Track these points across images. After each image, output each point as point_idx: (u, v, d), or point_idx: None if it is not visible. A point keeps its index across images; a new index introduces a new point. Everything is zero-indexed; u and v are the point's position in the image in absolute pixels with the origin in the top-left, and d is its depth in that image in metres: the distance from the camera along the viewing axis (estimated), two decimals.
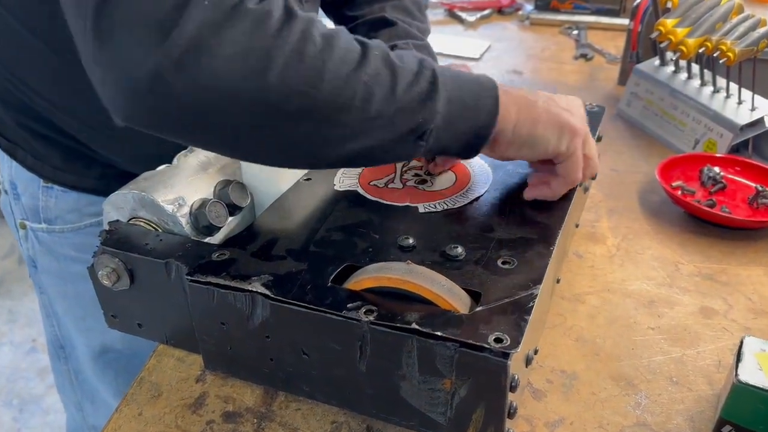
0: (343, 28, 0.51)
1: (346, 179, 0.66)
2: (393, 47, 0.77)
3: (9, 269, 2.41)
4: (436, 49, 1.45)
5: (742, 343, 0.54)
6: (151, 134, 0.48)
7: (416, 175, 0.66)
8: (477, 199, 0.62)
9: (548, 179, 0.62)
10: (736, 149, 0.96)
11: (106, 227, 0.59)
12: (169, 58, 0.41)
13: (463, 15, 1.62)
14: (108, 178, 0.63)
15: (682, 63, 1.04)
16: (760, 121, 0.94)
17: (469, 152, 0.58)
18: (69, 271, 0.82)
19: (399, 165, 0.68)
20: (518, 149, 0.59)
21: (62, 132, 0.74)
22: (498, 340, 0.44)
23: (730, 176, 0.88)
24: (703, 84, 1.00)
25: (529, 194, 0.62)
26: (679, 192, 0.84)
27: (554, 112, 0.58)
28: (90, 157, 0.76)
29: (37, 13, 0.63)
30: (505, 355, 0.44)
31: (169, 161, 0.64)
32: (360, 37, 0.51)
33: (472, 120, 0.55)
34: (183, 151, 0.69)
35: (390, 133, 0.51)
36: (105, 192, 0.61)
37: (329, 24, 0.67)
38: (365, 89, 0.48)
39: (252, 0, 0.44)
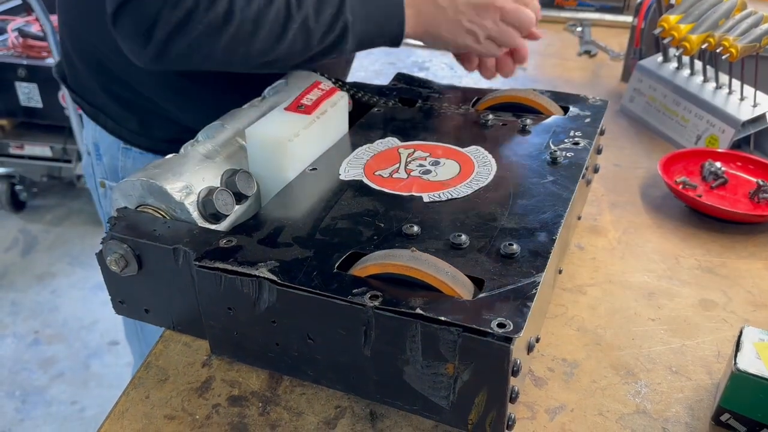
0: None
1: (351, 169, 0.67)
2: None
3: (12, 261, 2.42)
4: None
5: (741, 332, 0.54)
6: (218, 91, 0.78)
7: (420, 165, 0.67)
8: (481, 189, 0.63)
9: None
10: (737, 145, 0.96)
11: (114, 214, 0.60)
12: (152, 53, 0.66)
13: None
14: (181, 143, 0.68)
15: (685, 59, 1.05)
16: (762, 117, 0.94)
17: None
18: None
19: (404, 155, 0.69)
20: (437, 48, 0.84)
21: (139, 93, 0.82)
22: (501, 326, 0.45)
23: (731, 171, 0.89)
24: (705, 80, 1.01)
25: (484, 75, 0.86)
26: (681, 186, 0.85)
27: (455, 22, 0.75)
28: (165, 120, 0.83)
29: None
30: (508, 340, 0.44)
31: None
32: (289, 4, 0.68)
33: (382, 40, 0.75)
34: (190, 141, 0.69)
35: (312, 62, 0.74)
36: None
37: None
38: (286, 53, 0.69)
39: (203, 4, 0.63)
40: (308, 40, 0.69)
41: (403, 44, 0.78)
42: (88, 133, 0.91)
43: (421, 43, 0.84)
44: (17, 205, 2.68)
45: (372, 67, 1.39)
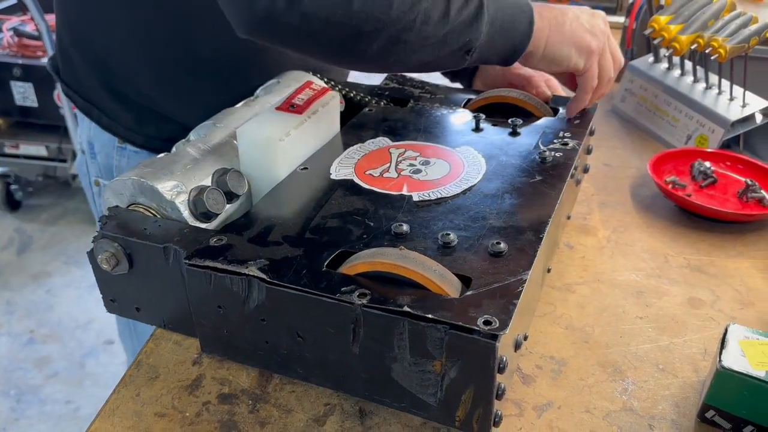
0: None
1: (341, 168, 0.67)
2: None
3: (8, 260, 2.42)
4: None
5: (726, 330, 0.55)
6: (216, 89, 0.72)
7: (411, 164, 0.67)
8: (470, 188, 0.63)
9: (576, 94, 0.78)
10: (726, 145, 0.97)
11: (106, 213, 0.61)
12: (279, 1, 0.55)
13: None
14: (176, 141, 0.68)
15: (676, 60, 1.05)
16: (751, 117, 0.95)
17: (506, 64, 0.72)
18: None
19: (394, 155, 0.69)
20: (547, 64, 0.74)
21: (137, 90, 0.82)
22: (487, 323, 0.45)
23: (720, 171, 0.90)
24: (695, 80, 1.02)
25: (569, 112, 0.78)
26: (671, 186, 0.86)
27: (578, 35, 0.73)
28: (161, 117, 0.83)
29: None
30: (494, 337, 0.45)
31: None
32: None
33: (509, 39, 0.69)
34: (182, 140, 0.70)
35: (441, 50, 0.64)
36: None
37: None
38: (424, 14, 0.61)
39: None
40: (448, 5, 0.62)
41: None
42: (82, 131, 0.91)
43: None
44: (12, 204, 2.68)
45: None
